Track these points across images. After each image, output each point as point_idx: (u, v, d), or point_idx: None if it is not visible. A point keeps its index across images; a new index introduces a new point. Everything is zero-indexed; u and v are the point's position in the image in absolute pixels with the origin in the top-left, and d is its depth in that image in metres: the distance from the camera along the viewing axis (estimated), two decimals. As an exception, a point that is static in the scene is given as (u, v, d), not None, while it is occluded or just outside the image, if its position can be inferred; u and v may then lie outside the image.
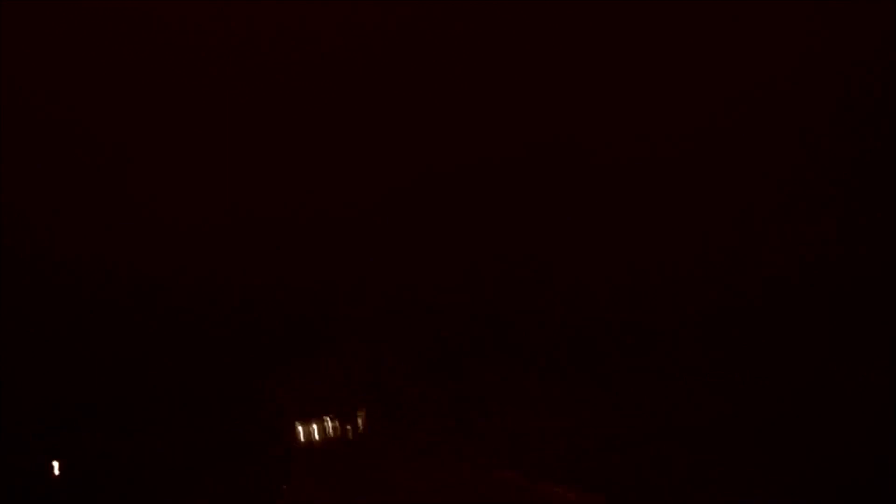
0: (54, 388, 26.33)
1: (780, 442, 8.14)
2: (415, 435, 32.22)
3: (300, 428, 53.81)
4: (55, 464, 17.90)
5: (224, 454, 32.38)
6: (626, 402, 15.22)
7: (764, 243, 14.77)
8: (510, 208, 28.30)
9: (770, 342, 12.66)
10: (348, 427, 53.81)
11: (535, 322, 26.21)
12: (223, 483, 18.67)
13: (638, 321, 19.29)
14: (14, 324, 25.15)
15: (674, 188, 19.80)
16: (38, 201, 29.22)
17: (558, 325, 24.42)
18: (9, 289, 24.68)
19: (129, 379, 32.72)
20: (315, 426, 54.98)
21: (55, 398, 25.61)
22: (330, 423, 54.53)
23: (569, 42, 23.30)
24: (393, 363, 47.09)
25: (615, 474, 8.88)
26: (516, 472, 11.20)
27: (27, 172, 28.80)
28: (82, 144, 30.65)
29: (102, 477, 19.69)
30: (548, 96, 25.15)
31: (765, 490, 6.47)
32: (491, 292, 29.12)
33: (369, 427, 53.84)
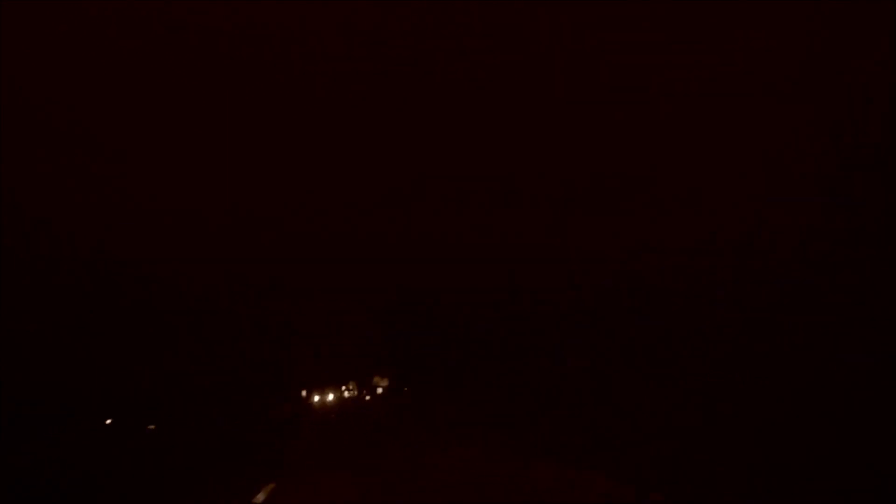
0: (56, 385, 26.31)
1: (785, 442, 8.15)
2: (432, 407, 31.48)
3: (316, 395, 53.99)
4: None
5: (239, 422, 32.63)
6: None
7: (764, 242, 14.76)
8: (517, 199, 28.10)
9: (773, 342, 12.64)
10: (366, 394, 53.98)
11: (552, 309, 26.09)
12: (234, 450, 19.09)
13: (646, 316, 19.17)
14: (12, 323, 25.09)
15: (675, 188, 19.69)
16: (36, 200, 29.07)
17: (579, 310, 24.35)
18: (6, 289, 24.65)
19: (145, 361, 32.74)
20: (332, 393, 54.92)
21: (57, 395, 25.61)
22: (348, 391, 54.50)
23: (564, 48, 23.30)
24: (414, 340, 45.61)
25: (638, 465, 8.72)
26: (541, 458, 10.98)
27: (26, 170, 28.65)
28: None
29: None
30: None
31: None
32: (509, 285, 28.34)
33: (388, 394, 53.48)
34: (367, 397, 65.56)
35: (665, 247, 19.15)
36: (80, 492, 11.65)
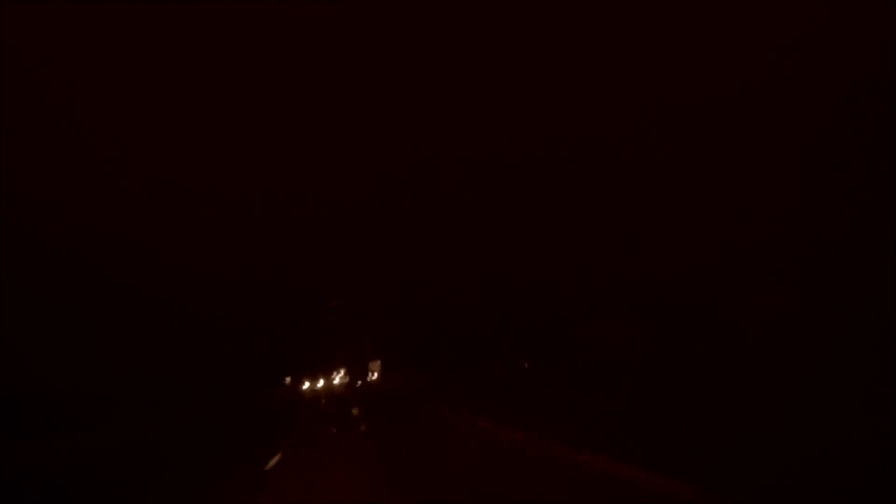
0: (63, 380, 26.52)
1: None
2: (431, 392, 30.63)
3: (308, 382, 53.71)
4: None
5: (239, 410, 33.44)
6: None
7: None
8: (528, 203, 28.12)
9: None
10: (358, 380, 53.62)
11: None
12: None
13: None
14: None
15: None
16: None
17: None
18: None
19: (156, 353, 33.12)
20: (324, 380, 54.77)
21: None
22: (339, 378, 54.42)
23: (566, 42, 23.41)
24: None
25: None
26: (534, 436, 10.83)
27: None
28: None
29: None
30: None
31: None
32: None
33: (381, 379, 53.08)
34: (359, 383, 63.86)
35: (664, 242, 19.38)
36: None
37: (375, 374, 64.49)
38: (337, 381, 71.07)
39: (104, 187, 33.41)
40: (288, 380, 65.66)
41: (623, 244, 21.56)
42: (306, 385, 67.02)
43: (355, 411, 22.58)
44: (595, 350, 21.45)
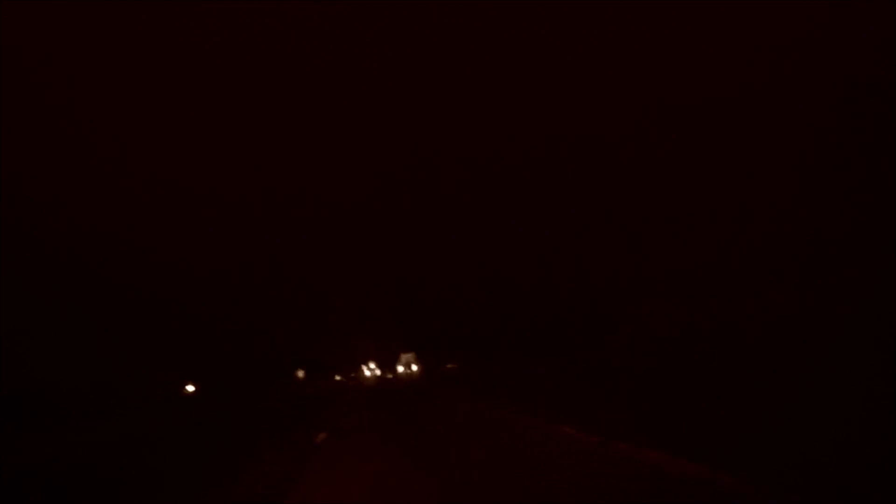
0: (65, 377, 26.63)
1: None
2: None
3: (338, 376, 54.25)
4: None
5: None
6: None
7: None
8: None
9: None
10: (388, 373, 54.13)
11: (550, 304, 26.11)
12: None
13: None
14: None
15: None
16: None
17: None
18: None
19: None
20: (356, 372, 55.19)
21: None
22: (374, 370, 54.72)
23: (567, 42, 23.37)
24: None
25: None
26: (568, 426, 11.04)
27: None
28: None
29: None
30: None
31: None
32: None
33: (423, 372, 53.29)
34: (389, 376, 63.74)
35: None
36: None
37: (414, 367, 63.56)
38: (368, 373, 72.34)
39: (104, 187, 33.47)
40: (301, 373, 67.17)
41: (623, 244, 21.61)
42: (338, 378, 68.88)
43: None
44: (594, 350, 21.52)
